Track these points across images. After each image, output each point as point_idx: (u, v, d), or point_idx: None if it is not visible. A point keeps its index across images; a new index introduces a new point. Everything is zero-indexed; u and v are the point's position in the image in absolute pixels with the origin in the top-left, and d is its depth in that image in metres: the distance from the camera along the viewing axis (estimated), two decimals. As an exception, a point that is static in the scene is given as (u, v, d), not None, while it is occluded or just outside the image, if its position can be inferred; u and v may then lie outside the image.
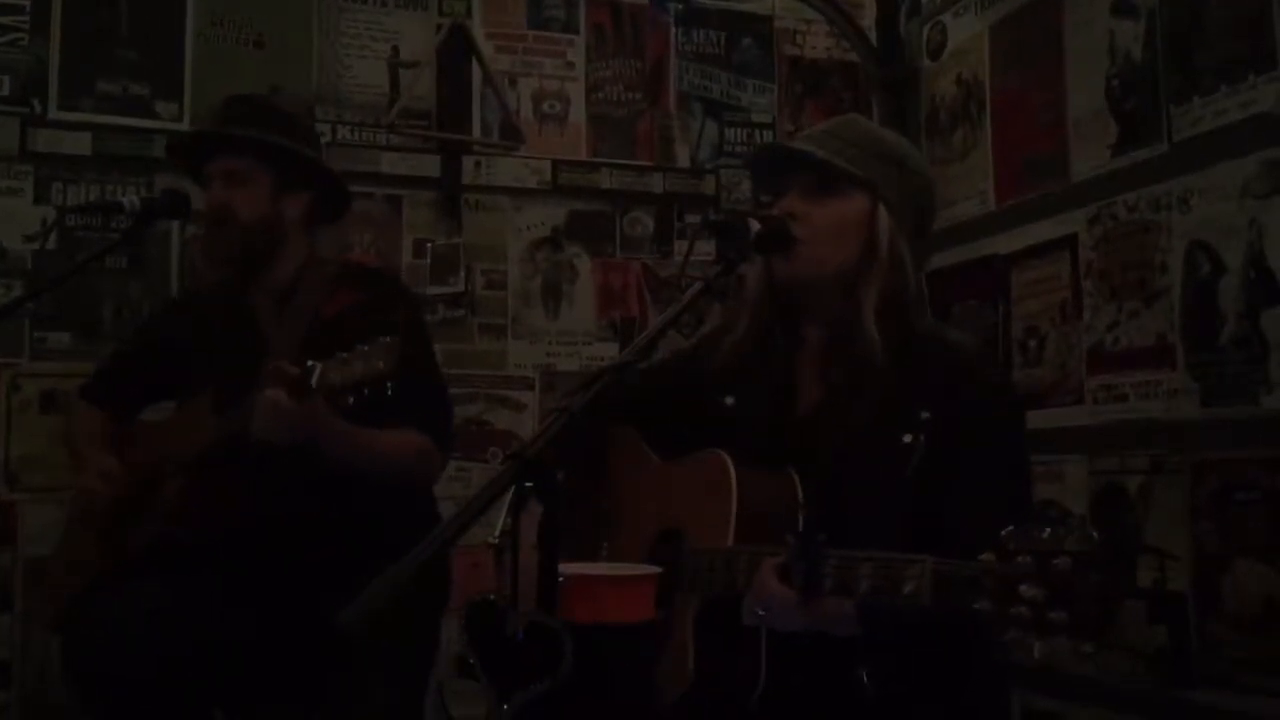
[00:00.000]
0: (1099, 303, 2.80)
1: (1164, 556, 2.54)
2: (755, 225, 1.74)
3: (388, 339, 1.93)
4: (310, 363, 1.95)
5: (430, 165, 3.42)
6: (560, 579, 1.45)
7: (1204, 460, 2.48)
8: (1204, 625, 2.45)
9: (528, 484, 1.34)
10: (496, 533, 2.34)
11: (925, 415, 1.71)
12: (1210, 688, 2.42)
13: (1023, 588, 1.23)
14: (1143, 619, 2.58)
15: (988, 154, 3.28)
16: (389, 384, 1.91)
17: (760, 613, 1.55)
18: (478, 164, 3.47)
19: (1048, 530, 1.25)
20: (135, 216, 2.27)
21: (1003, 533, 1.27)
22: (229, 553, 2.20)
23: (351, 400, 1.93)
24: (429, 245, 3.41)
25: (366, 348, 1.92)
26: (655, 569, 1.62)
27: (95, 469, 2.25)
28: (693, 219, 3.61)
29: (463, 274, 3.41)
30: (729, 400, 1.88)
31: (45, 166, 3.12)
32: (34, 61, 3.14)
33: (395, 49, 3.45)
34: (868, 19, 3.73)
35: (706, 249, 2.68)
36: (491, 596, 1.50)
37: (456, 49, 3.47)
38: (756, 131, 3.71)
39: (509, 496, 1.35)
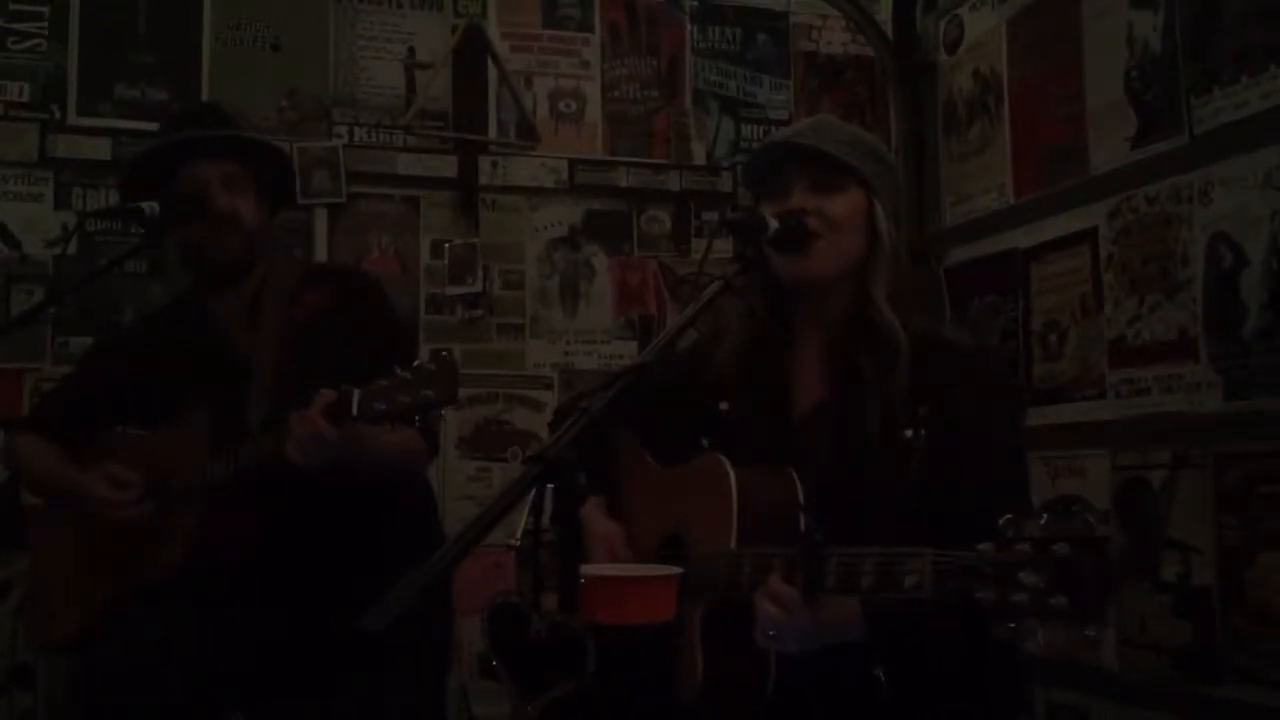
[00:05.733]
0: (1120, 296, 2.78)
1: (1188, 551, 2.53)
2: (773, 223, 1.74)
3: (430, 363, 1.91)
4: (345, 388, 1.96)
5: (447, 166, 3.43)
6: (582, 579, 1.45)
7: (1227, 454, 2.47)
8: (1229, 619, 2.44)
9: (549, 484, 1.34)
10: (518, 534, 2.35)
11: (924, 411, 1.71)
12: (1236, 682, 2.41)
13: (1022, 575, 1.24)
14: (1167, 614, 2.57)
15: (1006, 148, 3.26)
16: (442, 410, 1.91)
17: (770, 633, 1.55)
18: (494, 164, 3.47)
19: (1045, 517, 1.26)
20: (155, 221, 2.26)
21: (1000, 521, 1.28)
22: (244, 567, 2.19)
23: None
24: (446, 246, 3.41)
25: (408, 374, 1.91)
26: (677, 569, 1.62)
27: (103, 479, 2.21)
28: (710, 216, 3.61)
29: (480, 274, 3.41)
30: (724, 405, 1.87)
31: (65, 172, 3.15)
32: (53, 68, 3.16)
33: (411, 50, 3.45)
34: (884, 13, 3.71)
35: (724, 246, 2.67)
36: (514, 598, 1.50)
37: (472, 49, 3.48)
38: (773, 128, 3.69)
39: (530, 498, 1.35)
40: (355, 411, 1.95)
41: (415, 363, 1.93)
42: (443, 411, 2.20)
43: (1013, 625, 1.25)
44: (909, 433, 1.70)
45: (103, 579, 2.25)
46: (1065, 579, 1.22)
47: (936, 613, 1.43)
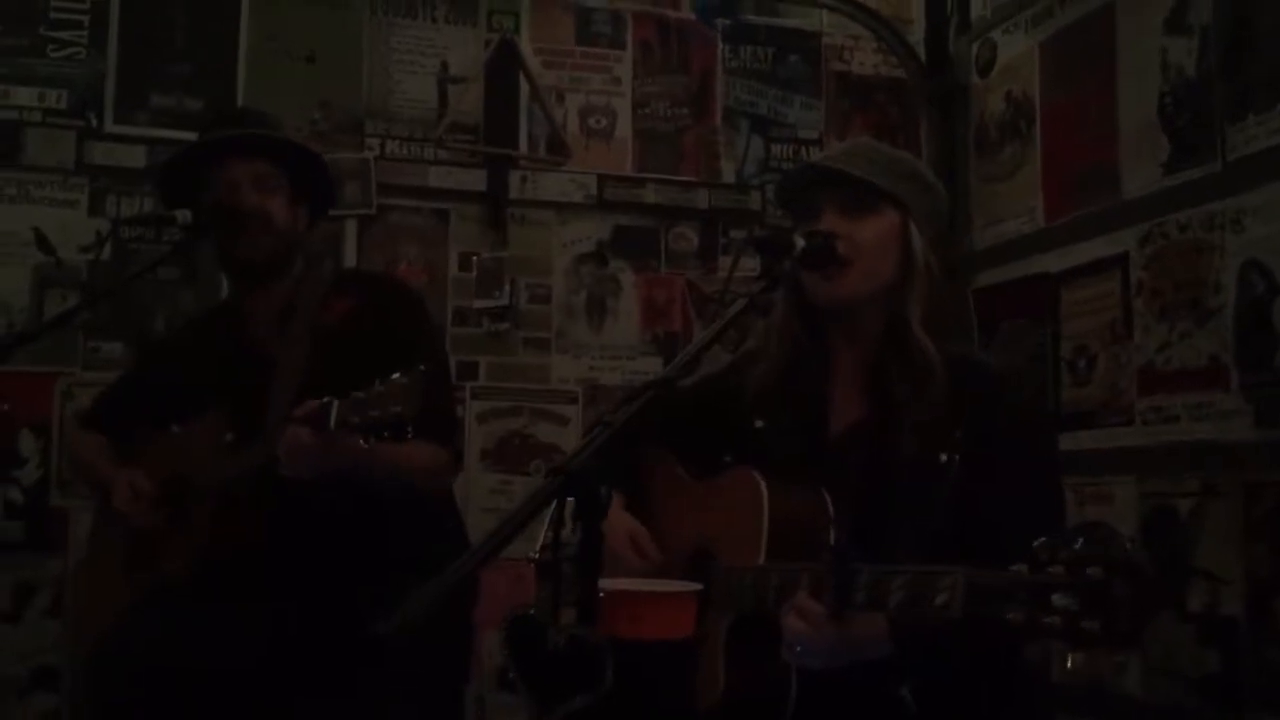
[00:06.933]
0: (1150, 322, 2.76)
1: (1216, 580, 2.50)
2: (800, 242, 1.74)
3: (403, 377, 1.90)
4: (326, 399, 1.97)
5: (477, 179, 3.44)
6: (600, 594, 1.45)
7: (1257, 482, 2.44)
8: (1257, 649, 2.41)
9: (570, 498, 1.34)
10: (538, 547, 2.35)
11: (958, 434, 1.71)
12: (1263, 712, 2.38)
13: (1055, 597, 1.22)
14: (1194, 643, 2.54)
15: (1037, 171, 3.25)
16: (408, 427, 1.90)
17: (797, 649, 1.55)
18: (524, 178, 3.48)
19: (1080, 541, 1.24)
20: (187, 228, 2.28)
21: (1035, 544, 1.27)
22: (257, 566, 2.19)
23: (372, 440, 1.94)
24: (474, 259, 3.43)
25: (383, 387, 1.90)
26: (696, 585, 1.61)
27: (126, 484, 2.24)
28: (737, 234, 3.61)
29: (507, 288, 3.42)
30: (759, 423, 1.88)
31: (101, 179, 3.18)
32: (91, 75, 3.21)
33: (444, 64, 3.48)
34: (916, 35, 3.71)
35: (751, 265, 2.67)
36: (532, 610, 1.50)
37: (505, 64, 3.50)
38: (803, 148, 3.70)
39: (550, 511, 1.35)
40: (333, 424, 1.95)
41: (394, 375, 1.91)
42: (442, 419, 2.20)
43: (1042, 647, 1.24)
44: (944, 456, 1.70)
45: (128, 576, 2.28)
46: (1098, 603, 1.20)
47: (964, 632, 1.42)
